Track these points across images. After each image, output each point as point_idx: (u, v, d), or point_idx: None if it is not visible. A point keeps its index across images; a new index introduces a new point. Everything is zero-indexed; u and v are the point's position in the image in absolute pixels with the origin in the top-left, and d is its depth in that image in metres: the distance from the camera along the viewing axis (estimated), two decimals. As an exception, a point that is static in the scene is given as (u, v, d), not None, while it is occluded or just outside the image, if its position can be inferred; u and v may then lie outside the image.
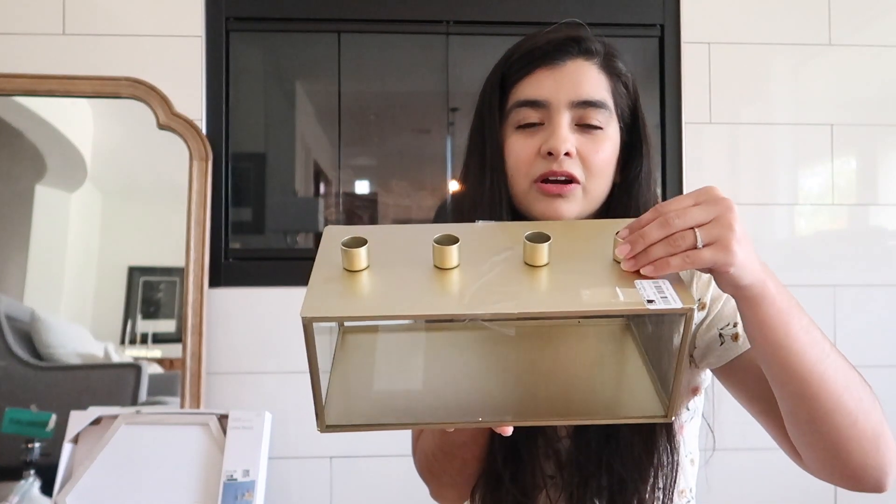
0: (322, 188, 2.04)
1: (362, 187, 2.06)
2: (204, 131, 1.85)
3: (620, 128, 0.88)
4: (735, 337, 0.86)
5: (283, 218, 2.00)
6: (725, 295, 0.86)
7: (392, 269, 0.62)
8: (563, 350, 0.73)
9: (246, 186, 1.95)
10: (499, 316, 0.57)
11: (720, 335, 0.86)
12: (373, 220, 2.02)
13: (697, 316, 0.86)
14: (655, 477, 0.82)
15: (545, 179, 0.83)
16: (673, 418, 0.62)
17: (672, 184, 1.93)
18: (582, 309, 0.57)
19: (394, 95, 2.10)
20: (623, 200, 0.87)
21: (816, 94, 1.95)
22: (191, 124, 1.82)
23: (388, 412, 0.66)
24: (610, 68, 0.87)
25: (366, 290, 0.60)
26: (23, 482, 1.62)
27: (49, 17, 1.83)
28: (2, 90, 1.80)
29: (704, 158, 1.93)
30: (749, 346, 0.83)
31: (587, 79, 0.85)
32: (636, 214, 0.78)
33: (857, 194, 1.97)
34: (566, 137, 0.82)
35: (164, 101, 1.81)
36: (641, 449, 0.82)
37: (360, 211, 2.04)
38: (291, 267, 1.87)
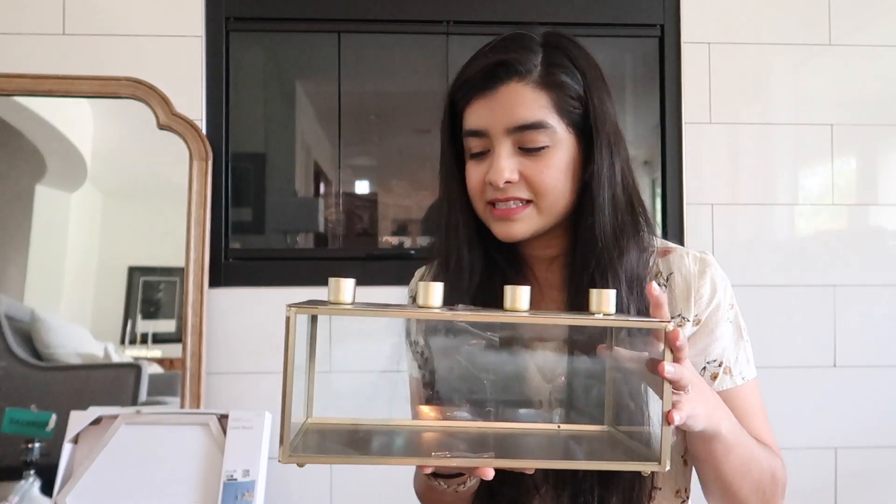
0: (322, 188, 2.05)
1: (362, 187, 2.06)
2: (204, 131, 1.85)
3: (575, 133, 0.86)
4: (714, 377, 0.90)
5: (283, 218, 2.00)
6: (720, 328, 0.89)
7: None
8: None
9: (246, 186, 1.95)
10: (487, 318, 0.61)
11: (704, 368, 0.90)
12: (373, 220, 2.02)
13: (689, 329, 0.90)
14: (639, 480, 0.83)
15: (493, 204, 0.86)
16: (668, 467, 0.65)
17: (672, 184, 1.93)
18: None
19: (394, 95, 2.10)
20: (584, 201, 0.87)
21: (816, 94, 1.95)
22: (191, 124, 1.82)
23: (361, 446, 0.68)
24: (549, 82, 0.85)
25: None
26: (23, 482, 1.62)
27: (49, 17, 1.83)
28: (2, 90, 1.80)
29: (704, 158, 1.93)
30: (722, 389, 0.89)
31: (520, 102, 0.83)
32: (600, 212, 0.85)
33: (857, 194, 1.97)
34: (503, 168, 0.83)
35: (164, 101, 1.81)
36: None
37: (360, 211, 2.04)
38: (291, 267, 1.87)
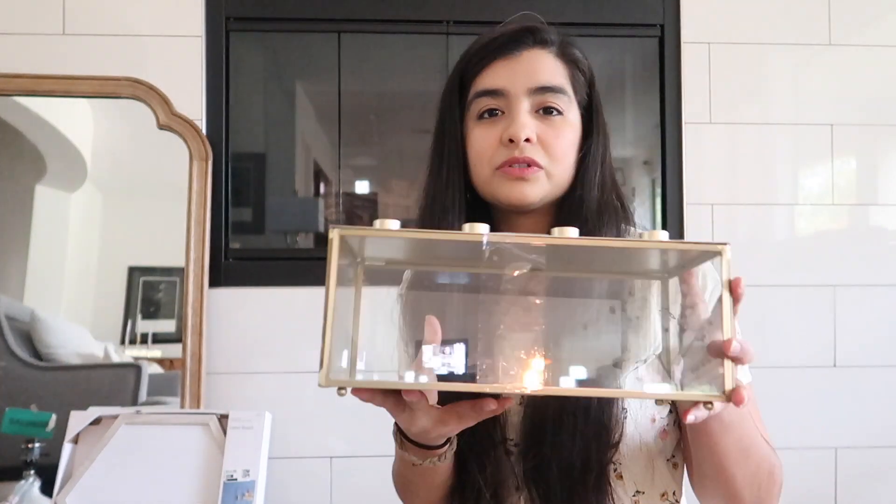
0: (322, 188, 2.05)
1: (362, 187, 2.06)
2: (204, 131, 1.85)
3: (581, 114, 0.90)
4: None
5: (283, 218, 2.00)
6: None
7: None
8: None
9: (246, 186, 1.95)
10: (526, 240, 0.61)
11: None
12: (373, 220, 2.02)
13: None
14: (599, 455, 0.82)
15: (508, 165, 0.85)
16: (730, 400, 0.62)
17: (672, 184, 1.93)
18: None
19: (394, 95, 2.10)
20: (576, 182, 0.89)
21: (816, 94, 1.95)
22: (191, 124, 1.82)
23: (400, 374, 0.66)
24: (566, 56, 0.89)
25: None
26: (23, 482, 1.62)
27: (49, 17, 1.83)
28: (2, 90, 1.80)
29: (704, 158, 1.93)
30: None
31: (544, 66, 0.86)
32: (589, 189, 0.87)
33: (857, 194, 1.97)
34: (525, 123, 0.84)
35: (164, 101, 1.81)
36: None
37: (360, 211, 2.04)
38: (291, 267, 1.87)
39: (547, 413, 0.82)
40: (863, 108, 1.95)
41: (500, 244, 0.61)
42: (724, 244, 0.62)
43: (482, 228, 0.61)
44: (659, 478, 0.88)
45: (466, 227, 0.62)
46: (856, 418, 1.90)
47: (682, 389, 0.68)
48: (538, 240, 0.61)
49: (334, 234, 0.61)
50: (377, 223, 0.62)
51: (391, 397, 0.67)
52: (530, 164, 0.84)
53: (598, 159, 0.89)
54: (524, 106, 0.85)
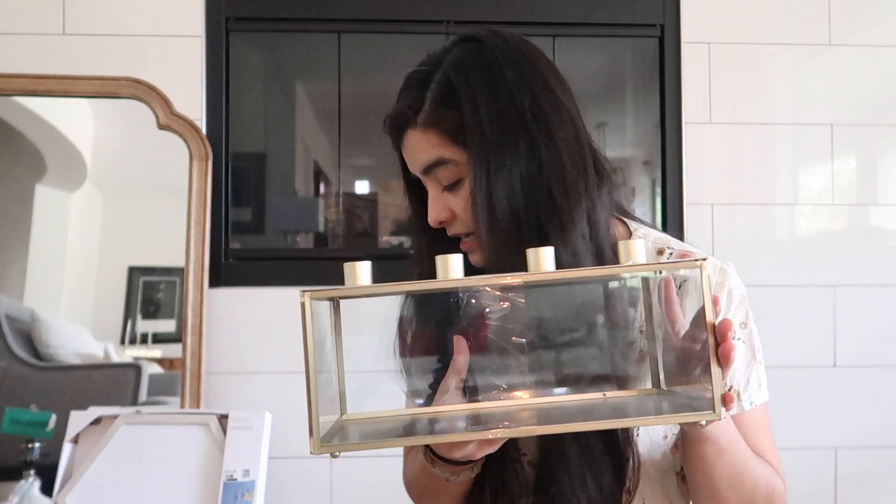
0: (322, 188, 2.05)
1: (362, 187, 2.06)
2: (204, 131, 1.85)
3: (488, 143, 0.80)
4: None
5: (283, 218, 2.00)
6: (743, 342, 0.87)
7: None
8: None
9: (246, 186, 1.95)
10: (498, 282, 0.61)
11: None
12: (373, 220, 2.02)
13: None
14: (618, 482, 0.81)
15: None
16: (722, 417, 0.63)
17: (672, 184, 1.93)
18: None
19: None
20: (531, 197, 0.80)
21: (816, 94, 1.95)
22: (191, 124, 1.82)
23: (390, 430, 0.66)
24: (434, 119, 0.82)
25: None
26: (23, 482, 1.62)
27: (49, 17, 1.82)
28: (2, 90, 1.79)
29: (704, 158, 1.93)
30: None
31: (418, 147, 0.84)
32: (560, 199, 0.78)
33: (857, 194, 1.97)
34: (433, 211, 0.85)
35: (164, 101, 1.81)
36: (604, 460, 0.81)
37: (360, 211, 2.04)
38: (291, 267, 1.87)
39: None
40: (863, 108, 1.95)
41: (476, 287, 0.61)
42: (704, 258, 0.62)
43: (455, 262, 0.60)
44: (668, 492, 0.88)
45: (439, 260, 0.61)
46: (856, 418, 1.90)
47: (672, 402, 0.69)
48: (512, 279, 0.61)
49: (305, 299, 0.60)
50: (346, 267, 0.60)
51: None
52: (461, 235, 0.85)
53: (545, 171, 0.79)
54: (432, 188, 0.85)
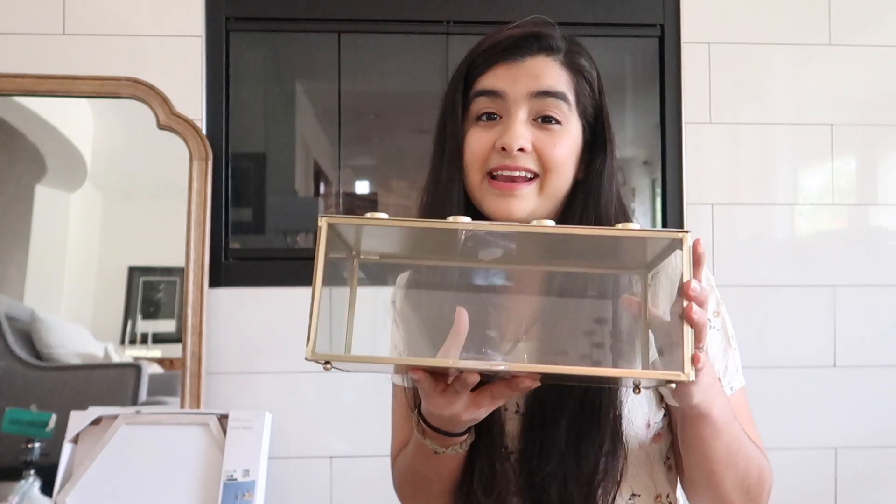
0: (322, 188, 2.05)
1: (362, 187, 2.06)
2: (204, 131, 1.85)
3: (583, 126, 0.87)
4: None
5: (283, 218, 2.00)
6: (717, 330, 0.88)
7: None
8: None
9: (246, 186, 1.96)
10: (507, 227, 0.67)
11: None
12: (373, 220, 2.02)
13: None
14: (603, 474, 0.82)
15: (496, 175, 0.84)
16: (692, 377, 0.63)
17: (672, 184, 1.93)
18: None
19: (394, 95, 2.10)
20: (582, 198, 0.86)
21: (816, 94, 1.95)
22: (191, 124, 1.82)
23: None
24: (573, 65, 0.87)
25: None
26: (23, 482, 1.62)
27: (49, 17, 1.82)
28: (2, 90, 1.80)
29: (704, 158, 1.93)
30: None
31: (546, 72, 0.85)
32: (596, 213, 0.85)
33: (857, 194, 1.97)
34: (520, 133, 0.82)
35: (164, 101, 1.81)
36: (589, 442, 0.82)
37: (360, 211, 2.04)
38: (291, 267, 1.87)
39: (545, 422, 0.82)
40: (863, 108, 1.95)
41: (476, 231, 0.66)
42: (686, 231, 0.68)
43: (464, 219, 0.66)
44: (654, 480, 0.88)
45: (450, 218, 0.66)
46: (856, 418, 1.90)
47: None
48: (511, 227, 0.67)
49: (322, 223, 0.65)
50: (367, 215, 0.66)
51: (430, 379, 0.69)
52: (521, 175, 0.83)
53: (604, 179, 0.86)
54: (521, 113, 0.83)
